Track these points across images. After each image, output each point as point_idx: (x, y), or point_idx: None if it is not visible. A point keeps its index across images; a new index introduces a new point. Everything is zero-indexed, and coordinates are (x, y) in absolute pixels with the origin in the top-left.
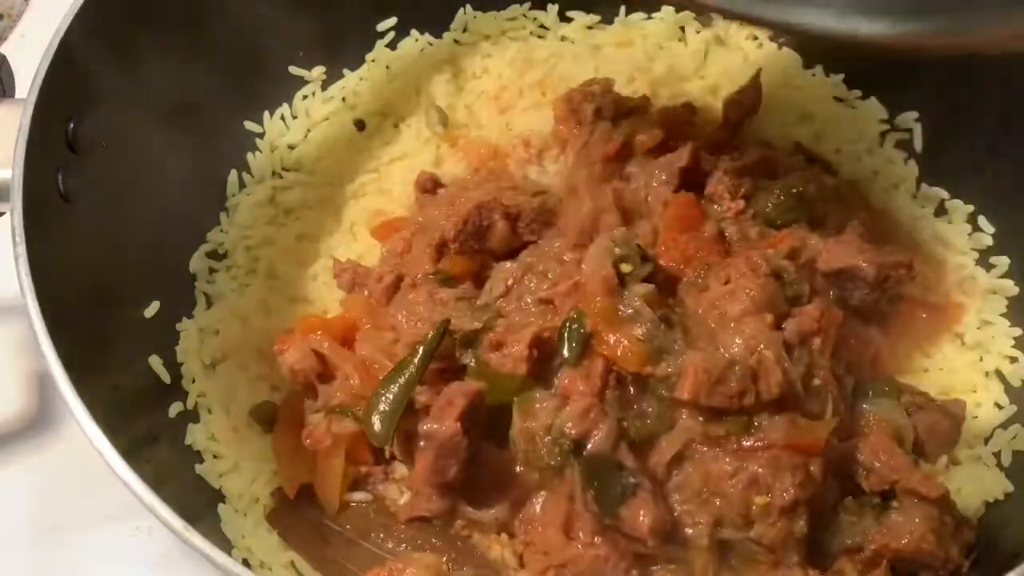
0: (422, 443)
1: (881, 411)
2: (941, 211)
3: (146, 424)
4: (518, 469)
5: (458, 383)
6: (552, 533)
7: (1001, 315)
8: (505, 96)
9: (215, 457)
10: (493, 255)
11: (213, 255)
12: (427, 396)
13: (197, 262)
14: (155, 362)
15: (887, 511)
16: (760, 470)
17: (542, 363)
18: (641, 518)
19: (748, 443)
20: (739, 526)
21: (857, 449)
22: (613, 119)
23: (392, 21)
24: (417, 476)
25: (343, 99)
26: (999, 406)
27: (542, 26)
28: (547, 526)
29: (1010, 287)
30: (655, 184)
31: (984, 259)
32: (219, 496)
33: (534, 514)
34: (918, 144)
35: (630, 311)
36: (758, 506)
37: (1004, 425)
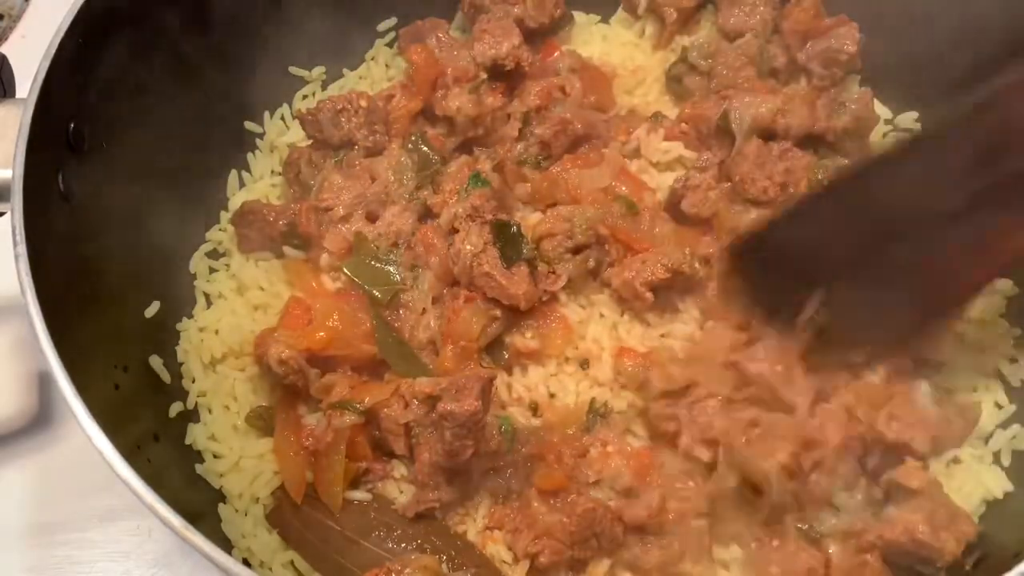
0: (432, 428)
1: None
2: None
3: (146, 424)
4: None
5: (470, 371)
6: (535, 506)
7: (1001, 315)
8: None
9: (215, 457)
10: None
11: (213, 255)
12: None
13: (197, 262)
14: (155, 362)
15: (884, 506)
16: None
17: None
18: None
19: None
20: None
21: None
22: None
23: (392, 21)
24: (428, 463)
25: None
26: (999, 406)
27: None
28: (528, 503)
29: (1010, 287)
30: None
31: None
32: (219, 496)
33: (515, 496)
34: None
35: None
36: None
37: (1004, 425)
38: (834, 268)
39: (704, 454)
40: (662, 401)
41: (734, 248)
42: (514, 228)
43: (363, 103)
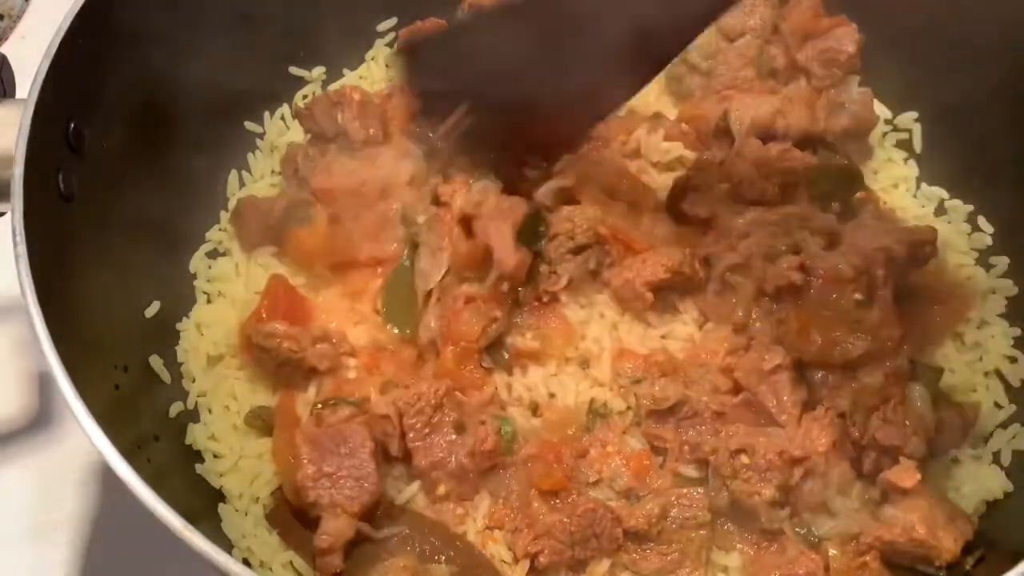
0: (430, 429)
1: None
2: (941, 211)
3: (146, 424)
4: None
5: (468, 372)
6: (535, 506)
7: (1000, 315)
8: None
9: (215, 457)
10: None
11: (213, 255)
12: None
13: (197, 262)
14: (155, 362)
15: (882, 507)
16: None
17: None
18: None
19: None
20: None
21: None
22: None
23: (392, 21)
24: (428, 463)
25: None
26: (999, 406)
27: None
28: (528, 503)
29: (1009, 287)
30: None
31: (984, 259)
32: (219, 496)
33: (516, 496)
34: (918, 144)
35: None
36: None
37: (1004, 425)
38: (491, 79)
39: (692, 472)
40: (651, 419)
41: (413, 43)
42: (538, 214)
43: (356, 96)
